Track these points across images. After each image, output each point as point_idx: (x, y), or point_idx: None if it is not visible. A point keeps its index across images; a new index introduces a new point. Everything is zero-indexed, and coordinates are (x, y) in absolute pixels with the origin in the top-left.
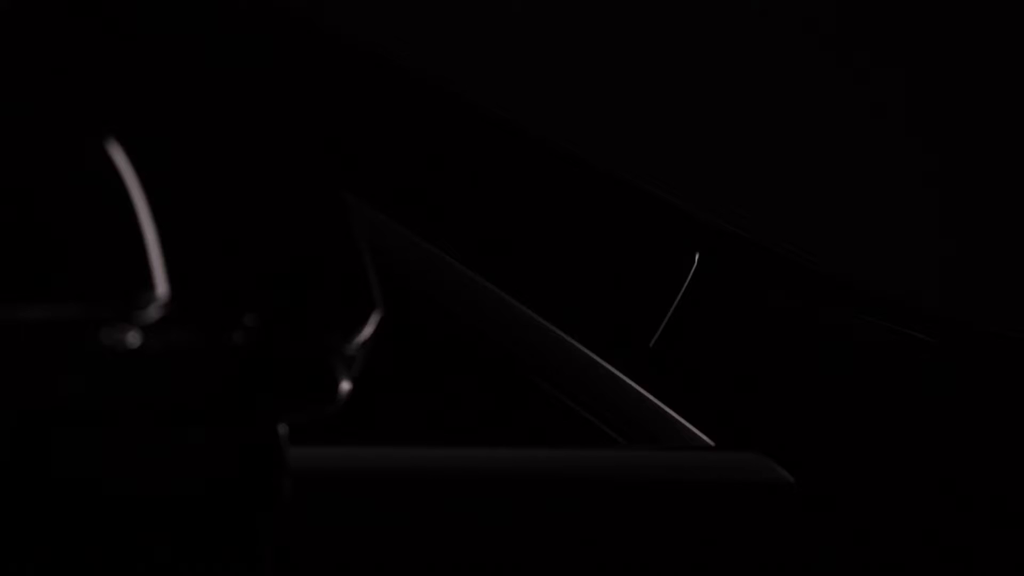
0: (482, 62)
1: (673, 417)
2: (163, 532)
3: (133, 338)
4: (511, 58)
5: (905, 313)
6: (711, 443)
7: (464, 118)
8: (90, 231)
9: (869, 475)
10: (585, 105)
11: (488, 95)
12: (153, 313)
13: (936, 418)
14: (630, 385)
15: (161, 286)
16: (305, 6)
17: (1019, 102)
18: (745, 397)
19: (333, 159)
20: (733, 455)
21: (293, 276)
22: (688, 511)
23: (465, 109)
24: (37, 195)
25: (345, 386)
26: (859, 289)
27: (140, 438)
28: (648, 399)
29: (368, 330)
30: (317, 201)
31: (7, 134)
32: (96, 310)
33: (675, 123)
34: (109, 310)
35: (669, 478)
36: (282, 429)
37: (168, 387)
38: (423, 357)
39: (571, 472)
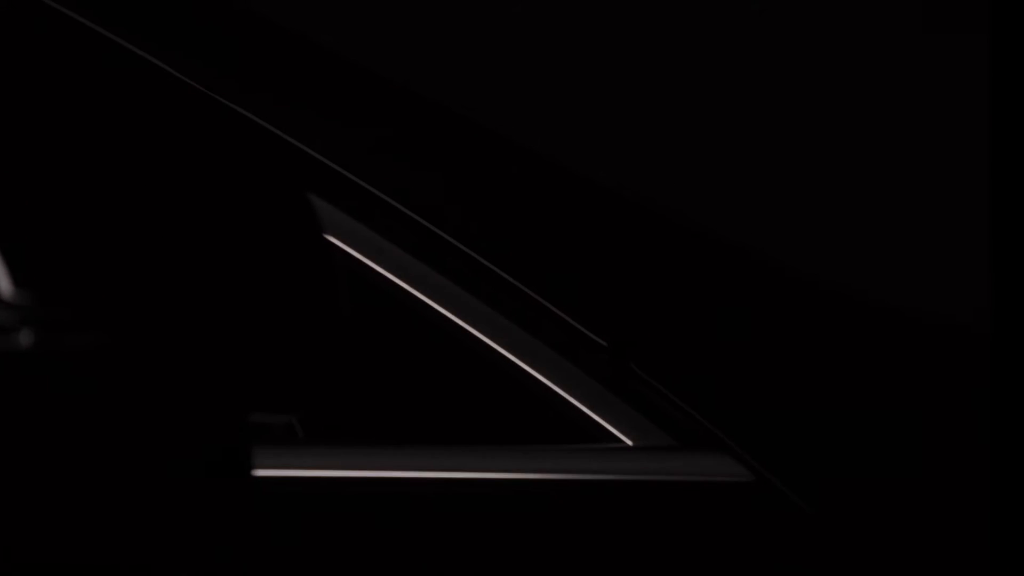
0: (479, 64)
1: (637, 416)
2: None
3: (25, 338)
4: (508, 58)
5: (875, 312)
6: (675, 443)
7: (433, 116)
8: None
9: (833, 475)
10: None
11: (487, 95)
12: (43, 315)
13: (904, 417)
14: (593, 384)
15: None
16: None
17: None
18: (708, 397)
19: (298, 160)
20: (696, 454)
21: (259, 278)
22: (651, 510)
23: (439, 109)
24: None
25: (311, 388)
26: (825, 288)
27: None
28: (611, 399)
29: (336, 333)
30: (282, 202)
31: None
32: None
33: (665, 122)
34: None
35: (633, 477)
36: (250, 430)
37: (86, 386)
38: (389, 357)
39: (534, 472)
